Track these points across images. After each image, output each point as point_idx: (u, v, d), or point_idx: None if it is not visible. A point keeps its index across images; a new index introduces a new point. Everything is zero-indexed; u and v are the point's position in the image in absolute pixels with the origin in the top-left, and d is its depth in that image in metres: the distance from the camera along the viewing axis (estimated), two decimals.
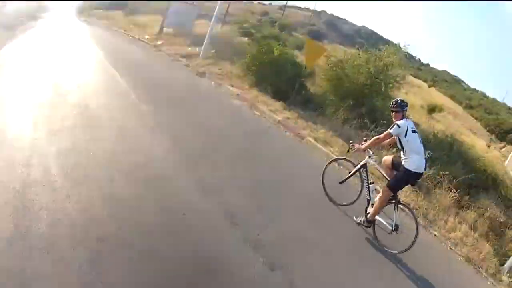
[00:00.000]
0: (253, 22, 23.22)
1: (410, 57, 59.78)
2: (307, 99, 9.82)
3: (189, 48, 13.72)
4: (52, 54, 9.08)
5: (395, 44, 10.93)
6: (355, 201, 4.43)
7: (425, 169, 4.08)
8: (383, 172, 4.30)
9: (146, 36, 15.98)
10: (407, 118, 4.10)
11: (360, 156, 4.74)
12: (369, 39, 63.76)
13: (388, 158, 4.32)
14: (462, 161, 7.85)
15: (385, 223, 4.06)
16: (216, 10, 12.58)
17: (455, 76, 58.62)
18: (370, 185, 4.25)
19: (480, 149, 22.05)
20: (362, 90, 10.12)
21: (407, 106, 4.09)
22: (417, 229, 3.93)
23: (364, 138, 4.67)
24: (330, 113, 9.08)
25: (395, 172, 4.13)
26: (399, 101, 4.09)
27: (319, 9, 58.13)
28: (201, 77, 10.58)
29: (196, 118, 6.60)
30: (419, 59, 62.85)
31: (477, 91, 57.46)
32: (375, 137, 4.21)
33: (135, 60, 11.18)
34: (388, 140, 4.17)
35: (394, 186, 4.02)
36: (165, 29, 16.50)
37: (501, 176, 8.78)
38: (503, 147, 28.98)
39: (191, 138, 5.56)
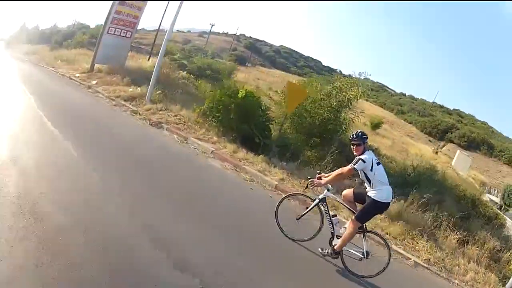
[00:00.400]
0: (179, 52, 22.01)
1: (331, 70, 64.81)
2: (281, 145, 9.34)
3: (130, 89, 12.27)
4: None
5: (353, 77, 11.32)
6: (315, 235, 4.37)
7: (392, 198, 4.16)
8: (345, 205, 4.30)
9: (77, 74, 14.11)
10: (368, 149, 4.10)
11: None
12: (289, 58, 67.92)
13: (348, 192, 4.31)
14: (446, 192, 8.06)
15: (353, 251, 4.13)
16: (164, 42, 11.34)
17: (377, 82, 64.34)
18: (332, 218, 4.23)
19: (429, 157, 24.18)
20: (325, 126, 10.00)
21: (367, 138, 4.10)
22: (389, 250, 4.09)
23: (318, 171, 4.50)
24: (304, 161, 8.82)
25: (356, 204, 4.22)
26: (359, 133, 4.05)
27: (238, 33, 60.22)
28: (157, 129, 9.37)
29: (179, 197, 5.22)
30: (340, 71, 68.03)
31: (404, 94, 63.47)
32: (337, 172, 4.11)
33: (73, 107, 9.61)
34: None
35: (363, 219, 4.03)
36: (96, 65, 14.47)
37: (476, 194, 9.43)
38: (444, 145, 32.28)
39: (189, 241, 3.94)
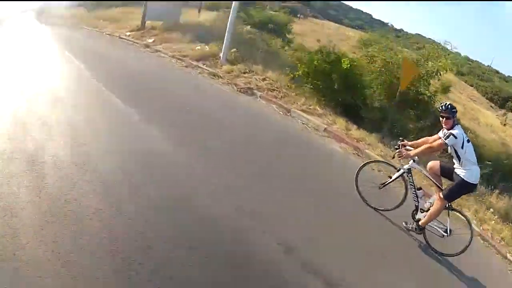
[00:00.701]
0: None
1: (383, 24, 60.85)
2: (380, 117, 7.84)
3: (197, 47, 9.99)
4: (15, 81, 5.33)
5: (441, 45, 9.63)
6: (398, 206, 4.07)
7: None
8: (431, 178, 4.01)
9: (127, 33, 11.94)
10: (457, 123, 3.76)
11: None
12: (339, 10, 63.86)
13: (435, 164, 4.03)
14: None
15: (436, 227, 3.91)
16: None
17: (429, 38, 59.68)
18: (417, 191, 3.99)
19: (499, 128, 21.48)
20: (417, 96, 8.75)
21: (457, 111, 3.77)
22: (471, 231, 3.82)
23: (401, 139, 4.15)
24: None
25: (442, 179, 3.99)
26: (449, 105, 3.74)
27: None
28: (249, 96, 7.16)
29: (318, 202, 3.89)
30: (391, 25, 63.22)
31: (460, 54, 58.51)
32: (427, 145, 3.84)
33: (137, 74, 7.38)
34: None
35: (451, 198, 3.82)
36: (147, 23, 12.39)
37: None
38: (504, 114, 29.11)
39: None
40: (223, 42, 9.84)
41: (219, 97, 6.97)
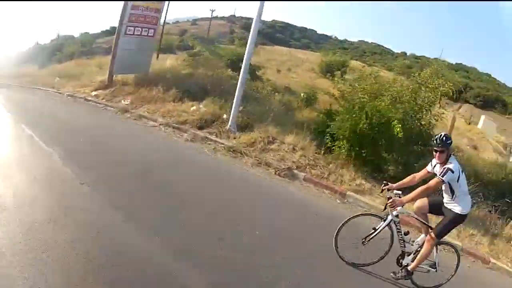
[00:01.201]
0: (198, 44, 17.67)
1: (327, 38, 64.23)
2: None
3: (192, 107, 8.44)
4: None
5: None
6: (383, 257, 3.68)
7: None
8: (419, 219, 3.67)
9: (93, 93, 9.82)
10: (451, 154, 3.45)
11: None
12: (285, 32, 66.12)
13: (423, 202, 3.65)
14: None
15: (422, 265, 3.65)
16: (250, 39, 7.62)
17: (373, 43, 62.70)
18: (405, 236, 3.65)
19: (464, 128, 22.78)
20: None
21: (452, 142, 3.47)
22: (458, 262, 3.72)
23: (384, 182, 3.71)
24: None
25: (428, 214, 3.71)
26: (443, 137, 3.41)
27: (232, 15, 58.17)
28: (290, 180, 5.78)
29: None
30: (335, 37, 65.25)
31: (405, 53, 62.71)
32: (423, 188, 3.39)
33: (137, 163, 5.45)
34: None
35: (443, 235, 3.59)
36: (114, 76, 10.48)
37: None
38: (460, 107, 31.16)
39: None
40: (215, 96, 8.54)
41: (264, 192, 5.35)
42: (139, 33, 10.77)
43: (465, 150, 13.50)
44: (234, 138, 7.09)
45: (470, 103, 35.47)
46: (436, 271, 3.66)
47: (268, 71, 19.25)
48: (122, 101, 9.17)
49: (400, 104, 7.31)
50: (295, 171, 6.00)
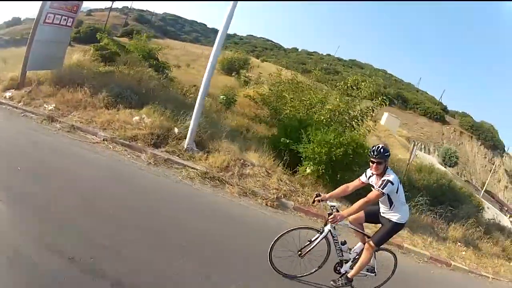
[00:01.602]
0: (107, 38, 14.51)
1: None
2: None
3: (135, 117, 7.08)
4: None
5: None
6: (320, 266, 3.78)
7: None
8: (356, 229, 3.77)
9: (6, 94, 7.23)
10: (387, 167, 3.49)
11: None
12: (175, 25, 62.63)
13: (358, 213, 3.67)
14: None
15: (361, 272, 3.76)
16: (217, 41, 6.71)
17: (263, 38, 67.73)
18: (342, 246, 3.72)
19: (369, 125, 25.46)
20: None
21: (389, 154, 3.46)
22: (395, 265, 3.86)
23: (317, 193, 3.75)
24: None
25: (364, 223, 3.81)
26: (381, 149, 3.40)
27: (122, 6, 54.77)
28: (281, 211, 5.63)
29: None
30: (234, 34, 65.75)
31: (297, 49, 63.84)
32: (363, 201, 3.38)
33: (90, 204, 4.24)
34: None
35: (381, 243, 3.65)
36: (27, 74, 7.90)
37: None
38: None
39: None
40: (154, 103, 7.46)
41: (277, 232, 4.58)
42: (58, 22, 8.41)
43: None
44: (200, 159, 6.32)
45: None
46: (375, 275, 3.77)
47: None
48: (45, 106, 7.02)
49: (340, 115, 7.96)
50: (283, 200, 5.83)
